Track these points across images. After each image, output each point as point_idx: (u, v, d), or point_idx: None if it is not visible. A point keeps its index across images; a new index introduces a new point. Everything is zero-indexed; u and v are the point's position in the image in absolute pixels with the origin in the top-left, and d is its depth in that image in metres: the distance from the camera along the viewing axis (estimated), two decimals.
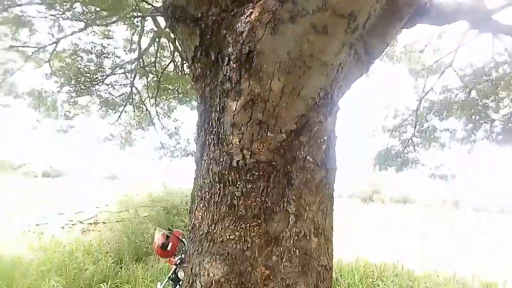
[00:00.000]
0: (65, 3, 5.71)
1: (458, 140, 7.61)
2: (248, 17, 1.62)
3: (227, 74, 1.63)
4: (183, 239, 4.65)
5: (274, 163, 1.61)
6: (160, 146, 8.79)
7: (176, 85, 8.18)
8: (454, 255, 11.22)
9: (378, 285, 5.65)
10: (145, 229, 7.91)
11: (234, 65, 1.60)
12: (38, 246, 7.34)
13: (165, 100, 8.68)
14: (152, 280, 5.67)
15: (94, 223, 8.81)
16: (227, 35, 1.70)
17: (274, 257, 1.64)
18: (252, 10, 1.63)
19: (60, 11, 6.09)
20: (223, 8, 1.77)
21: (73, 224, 8.80)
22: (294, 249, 1.67)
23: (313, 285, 1.73)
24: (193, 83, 2.00)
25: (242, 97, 1.58)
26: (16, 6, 6.22)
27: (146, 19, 6.46)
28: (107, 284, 4.81)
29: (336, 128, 1.85)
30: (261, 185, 1.62)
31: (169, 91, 8.40)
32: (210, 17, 1.78)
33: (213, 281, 1.64)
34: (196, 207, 1.79)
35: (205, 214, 1.72)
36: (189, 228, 1.85)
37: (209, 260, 1.67)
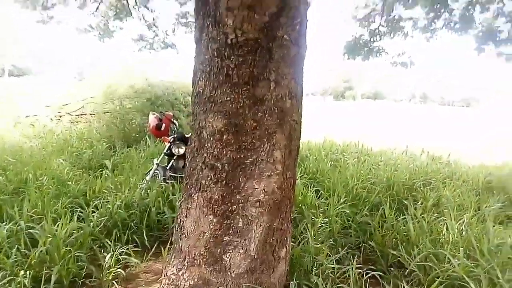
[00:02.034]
0: None
1: (420, 29, 8.09)
2: None
3: None
4: (174, 121, 5.28)
5: (259, 40, 2.09)
6: (139, 38, 8.79)
7: None
8: (410, 138, 12.69)
9: (340, 159, 6.67)
10: (132, 118, 8.47)
11: None
12: (32, 135, 7.81)
13: None
14: (146, 159, 6.41)
15: (81, 114, 9.25)
16: None
17: (259, 113, 2.23)
18: None
19: None
20: None
21: (61, 116, 9.21)
22: (274, 107, 2.26)
23: (287, 134, 2.38)
24: None
25: None
26: None
27: None
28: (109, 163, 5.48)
29: (307, 10, 2.31)
30: (250, 58, 2.12)
31: None
32: None
33: (216, 131, 2.25)
34: (199, 78, 2.30)
35: (207, 83, 2.25)
36: (194, 95, 2.39)
37: (212, 116, 2.25)
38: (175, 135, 5.03)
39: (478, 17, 7.44)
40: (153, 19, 8.59)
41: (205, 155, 2.31)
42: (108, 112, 8.98)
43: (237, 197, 2.29)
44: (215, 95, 2.22)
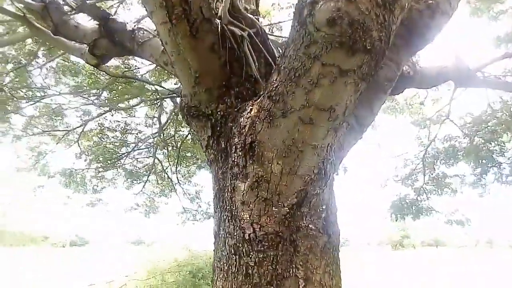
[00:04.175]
0: (92, 93, 6.46)
1: (469, 184, 7.67)
2: (248, 113, 1.98)
3: (235, 160, 1.96)
4: None
5: (280, 233, 1.86)
6: (182, 211, 9.11)
7: (194, 152, 8.69)
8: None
9: None
10: None
11: (240, 153, 1.94)
12: None
13: (185, 167, 9.17)
14: None
15: None
16: (233, 128, 2.06)
17: None
18: (251, 107, 2.00)
19: (88, 99, 6.86)
20: (228, 105, 2.16)
21: None
22: None
23: None
24: (208, 166, 2.35)
25: (248, 179, 1.89)
26: (48, 97, 7.01)
27: (165, 100, 7.16)
28: None
29: (334, 197, 2.12)
30: (271, 254, 1.85)
31: (188, 158, 8.91)
32: (219, 113, 2.17)
33: None
34: (217, 278, 2.02)
35: (225, 284, 1.95)
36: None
37: None
38: None
39: None
40: (196, 192, 9.04)
41: None
42: None
43: None
44: None
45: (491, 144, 6.87)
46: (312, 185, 1.93)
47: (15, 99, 6.41)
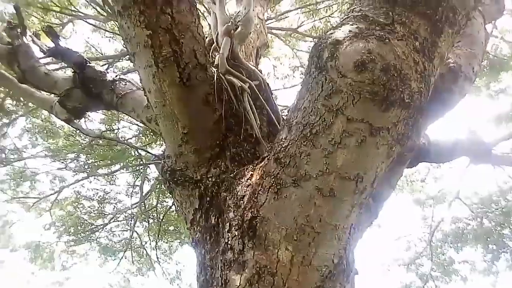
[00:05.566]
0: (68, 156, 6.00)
1: (480, 272, 7.05)
2: (248, 180, 1.56)
3: (229, 242, 1.47)
4: None
5: None
6: None
7: (178, 226, 7.98)
8: None
9: None
10: None
11: (236, 233, 1.46)
12: None
13: (166, 243, 8.37)
14: None
15: None
16: (227, 198, 1.60)
17: None
18: (252, 172, 1.58)
19: (64, 163, 6.36)
20: (222, 169, 1.73)
21: None
22: None
23: None
24: (192, 247, 1.84)
25: (246, 270, 1.39)
26: (20, 160, 6.48)
27: (148, 166, 6.71)
28: None
29: None
30: None
31: (171, 233, 8.16)
32: (210, 179, 1.73)
33: None
34: None
35: None
36: None
37: None
38: None
39: None
40: (177, 272, 8.12)
41: None
42: None
43: None
44: None
45: (502, 227, 6.45)
46: (332, 280, 1.43)
47: None
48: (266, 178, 1.46)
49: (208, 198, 1.70)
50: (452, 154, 3.00)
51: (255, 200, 1.45)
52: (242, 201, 1.50)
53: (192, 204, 1.76)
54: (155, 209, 7.59)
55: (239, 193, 1.55)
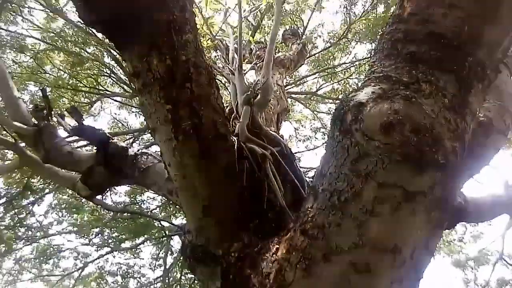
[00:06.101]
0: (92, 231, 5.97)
1: None
2: (274, 255, 1.43)
3: None
4: None
5: None
6: None
7: None
8: None
9: None
10: None
11: None
12: None
13: None
14: None
15: None
16: (251, 276, 1.46)
17: None
18: (278, 246, 1.46)
19: (88, 238, 6.31)
20: (245, 243, 1.62)
21: None
22: None
23: None
24: None
25: None
26: (45, 237, 6.49)
27: (172, 238, 6.57)
28: None
29: None
30: None
31: None
32: (232, 255, 1.60)
33: None
34: None
35: None
36: None
37: None
38: None
39: None
40: None
41: None
42: None
43: None
44: None
45: None
46: None
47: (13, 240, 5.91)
48: (293, 253, 1.33)
49: (231, 276, 1.57)
50: (492, 212, 2.77)
51: (282, 278, 1.31)
52: (267, 280, 1.36)
53: (215, 283, 1.62)
54: (179, 282, 7.26)
55: (264, 270, 1.41)
